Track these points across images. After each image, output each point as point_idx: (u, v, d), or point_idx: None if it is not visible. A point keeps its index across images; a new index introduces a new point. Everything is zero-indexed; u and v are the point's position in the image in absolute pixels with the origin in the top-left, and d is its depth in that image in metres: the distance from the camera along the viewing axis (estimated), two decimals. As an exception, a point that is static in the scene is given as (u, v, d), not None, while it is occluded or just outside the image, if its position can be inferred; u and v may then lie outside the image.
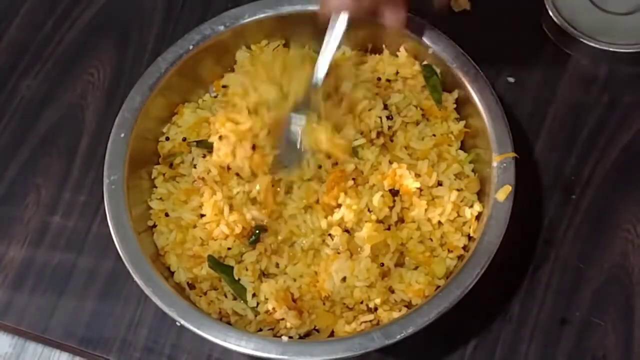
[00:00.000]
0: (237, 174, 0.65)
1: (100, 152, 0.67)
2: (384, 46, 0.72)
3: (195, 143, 0.68)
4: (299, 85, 0.63)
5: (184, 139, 0.69)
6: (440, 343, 0.66)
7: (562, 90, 0.76)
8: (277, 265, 0.64)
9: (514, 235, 0.62)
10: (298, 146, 0.63)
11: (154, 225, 0.67)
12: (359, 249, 0.63)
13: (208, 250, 0.64)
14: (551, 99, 0.75)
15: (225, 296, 0.64)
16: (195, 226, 0.65)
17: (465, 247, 0.64)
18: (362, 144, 0.64)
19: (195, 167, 0.67)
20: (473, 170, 0.67)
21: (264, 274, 0.64)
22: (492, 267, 0.61)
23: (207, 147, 0.67)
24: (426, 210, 0.64)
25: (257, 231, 0.64)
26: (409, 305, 0.62)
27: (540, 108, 0.75)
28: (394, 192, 0.65)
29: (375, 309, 0.62)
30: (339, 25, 0.62)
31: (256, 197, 0.64)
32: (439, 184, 0.66)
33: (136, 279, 0.61)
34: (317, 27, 0.63)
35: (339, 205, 0.63)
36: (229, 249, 0.64)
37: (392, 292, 0.63)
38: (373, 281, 0.62)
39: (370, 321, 0.62)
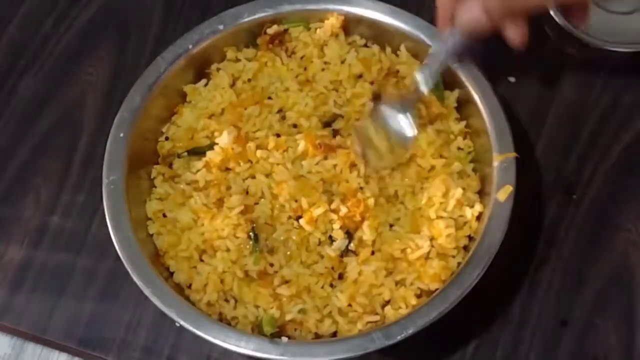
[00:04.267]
0: (229, 169, 0.66)
1: (100, 152, 0.67)
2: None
3: (186, 153, 0.68)
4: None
5: (179, 155, 0.68)
6: (440, 344, 0.66)
7: (562, 90, 0.76)
8: (272, 264, 0.63)
9: (514, 236, 0.62)
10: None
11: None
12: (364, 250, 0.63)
13: (208, 255, 0.64)
14: (552, 98, 0.75)
15: (226, 300, 0.63)
16: (191, 228, 0.65)
17: (465, 247, 0.64)
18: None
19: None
20: (474, 170, 0.67)
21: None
22: (493, 267, 0.60)
23: (198, 153, 0.67)
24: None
25: (255, 233, 0.63)
26: (425, 294, 0.62)
27: (541, 108, 0.75)
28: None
29: (384, 305, 0.62)
30: (455, 43, 0.62)
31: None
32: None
33: (135, 279, 0.61)
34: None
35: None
36: (227, 250, 0.64)
37: (404, 285, 0.63)
38: (374, 282, 0.62)
39: (376, 322, 0.62)
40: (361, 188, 0.64)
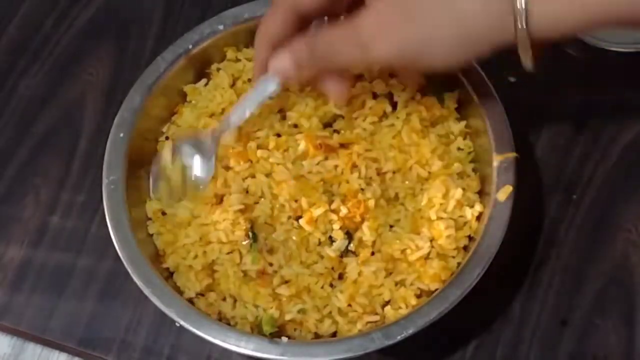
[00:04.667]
0: (230, 167, 0.65)
1: (100, 152, 0.66)
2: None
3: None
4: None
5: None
6: (440, 343, 0.66)
7: (562, 89, 0.76)
8: (271, 264, 0.63)
9: (514, 236, 0.62)
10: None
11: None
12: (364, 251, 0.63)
13: (206, 252, 0.64)
14: (552, 98, 0.75)
15: (225, 300, 0.63)
16: (189, 224, 0.65)
17: (465, 248, 0.64)
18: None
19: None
20: (474, 170, 0.67)
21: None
22: (493, 267, 0.60)
23: None
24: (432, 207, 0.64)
25: (253, 233, 0.63)
26: (425, 294, 0.62)
27: (541, 108, 0.75)
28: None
29: (384, 305, 0.62)
30: (267, 90, 0.61)
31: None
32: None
33: (135, 279, 0.61)
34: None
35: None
36: (228, 253, 0.64)
37: (404, 285, 0.63)
38: (374, 282, 0.62)
39: (375, 322, 0.62)
40: (362, 189, 0.64)
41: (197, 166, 0.64)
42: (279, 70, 0.59)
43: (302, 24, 0.59)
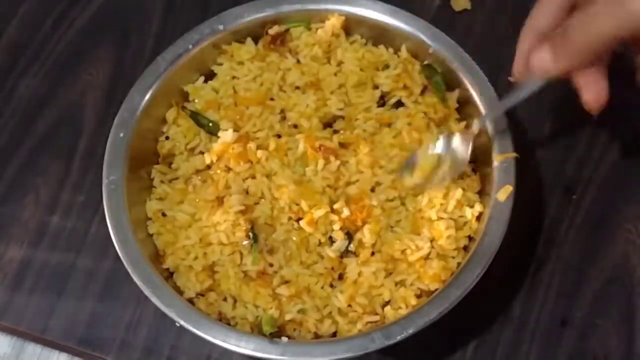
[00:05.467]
0: (230, 169, 0.65)
1: (100, 152, 0.66)
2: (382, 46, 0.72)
3: (209, 125, 0.68)
4: None
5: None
6: (441, 343, 0.66)
7: (562, 89, 0.75)
8: (271, 264, 0.63)
9: (514, 236, 0.62)
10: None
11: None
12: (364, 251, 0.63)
13: (207, 254, 0.64)
14: (552, 98, 0.75)
15: (225, 300, 0.63)
16: (190, 226, 0.65)
17: (465, 248, 0.64)
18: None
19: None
20: (473, 170, 0.67)
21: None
22: (493, 267, 0.60)
23: (201, 124, 0.68)
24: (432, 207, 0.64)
25: (254, 233, 0.63)
26: (425, 294, 0.62)
27: (541, 107, 0.75)
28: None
29: (384, 305, 0.62)
30: (530, 89, 0.58)
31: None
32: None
33: (135, 279, 0.61)
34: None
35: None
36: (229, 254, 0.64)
37: (404, 285, 0.63)
38: (374, 282, 0.62)
39: (375, 322, 0.62)
40: (368, 194, 0.64)
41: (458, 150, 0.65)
42: (539, 68, 0.54)
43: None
